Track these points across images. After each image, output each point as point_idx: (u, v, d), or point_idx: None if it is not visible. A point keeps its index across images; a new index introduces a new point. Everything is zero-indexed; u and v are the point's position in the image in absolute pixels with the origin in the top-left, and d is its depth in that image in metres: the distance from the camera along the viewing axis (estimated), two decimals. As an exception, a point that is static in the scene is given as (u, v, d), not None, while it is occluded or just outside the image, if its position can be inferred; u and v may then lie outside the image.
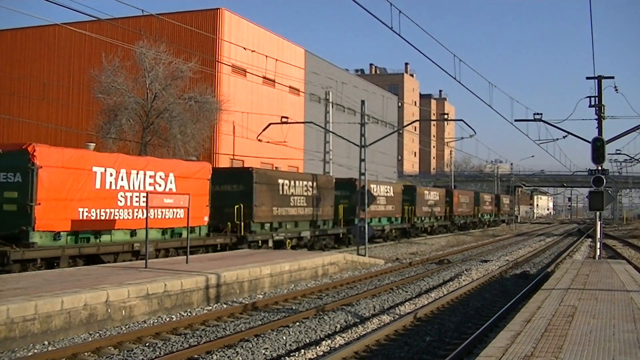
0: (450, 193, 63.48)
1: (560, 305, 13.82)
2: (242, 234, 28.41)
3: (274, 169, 38.19)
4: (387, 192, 44.77)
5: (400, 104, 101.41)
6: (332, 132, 45.60)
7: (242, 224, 28.46)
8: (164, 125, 37.51)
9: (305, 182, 34.17)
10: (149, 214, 19.75)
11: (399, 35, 18.78)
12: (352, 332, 14.01)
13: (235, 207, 28.24)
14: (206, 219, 26.38)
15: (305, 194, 33.98)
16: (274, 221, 31.41)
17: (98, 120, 38.74)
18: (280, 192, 31.60)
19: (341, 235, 38.15)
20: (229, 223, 28.21)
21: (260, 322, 15.22)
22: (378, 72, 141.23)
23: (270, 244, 30.53)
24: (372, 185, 39.86)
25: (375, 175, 63.61)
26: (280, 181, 31.82)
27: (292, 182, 32.89)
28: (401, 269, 28.51)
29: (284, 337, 13.29)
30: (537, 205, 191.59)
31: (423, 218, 54.35)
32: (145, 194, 20.74)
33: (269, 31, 54.96)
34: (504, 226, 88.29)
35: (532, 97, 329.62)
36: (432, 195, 56.70)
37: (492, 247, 44.65)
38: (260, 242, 29.90)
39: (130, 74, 37.82)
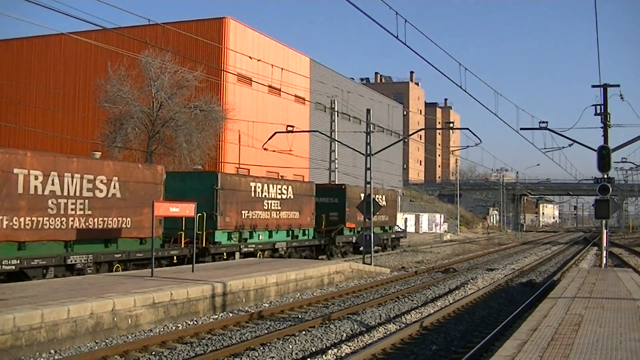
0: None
1: (567, 314, 13.78)
2: None
3: (280, 177, 38.02)
4: (281, 192, 32.45)
5: (405, 112, 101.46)
6: (338, 141, 45.65)
7: None
8: (169, 134, 37.59)
9: (83, 177, 20.75)
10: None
11: (405, 44, 18.80)
12: (358, 341, 13.98)
13: None
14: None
15: (83, 194, 20.67)
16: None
17: (104, 129, 38.87)
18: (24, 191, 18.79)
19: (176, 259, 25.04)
20: None
21: (266, 331, 15.21)
22: (383, 80, 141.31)
23: None
24: (252, 184, 30.00)
25: (381, 184, 63.58)
26: (18, 171, 18.67)
27: (50, 176, 19.60)
28: (407, 278, 28.47)
29: (290, 346, 13.28)
30: (543, 213, 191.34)
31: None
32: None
33: (274, 40, 55.12)
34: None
35: (538, 106, 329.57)
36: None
37: (498, 256, 44.58)
38: None
39: (136, 83, 37.94)
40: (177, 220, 24.49)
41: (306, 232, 34.98)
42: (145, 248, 23.15)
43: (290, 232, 33.26)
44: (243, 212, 29.05)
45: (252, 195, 29.87)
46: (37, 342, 12.48)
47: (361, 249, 39.68)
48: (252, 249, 29.30)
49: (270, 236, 31.62)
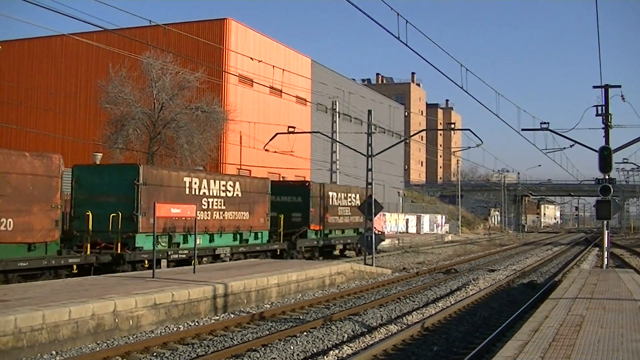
0: None
1: (568, 315, 13.76)
2: None
3: (281, 179, 37.93)
4: (225, 189, 28.98)
5: (406, 113, 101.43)
6: (339, 142, 45.70)
7: None
8: (170, 135, 37.60)
9: None
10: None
11: (406, 44, 18.83)
12: (359, 342, 13.98)
13: None
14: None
15: None
16: None
17: (105, 131, 38.87)
18: None
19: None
20: None
21: (267, 332, 15.20)
22: (385, 81, 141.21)
23: None
24: (187, 179, 26.34)
25: (383, 185, 63.56)
26: None
27: None
28: (408, 279, 28.46)
29: (292, 347, 13.28)
30: (544, 214, 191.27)
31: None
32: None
33: (275, 41, 55.12)
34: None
35: (539, 106, 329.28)
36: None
37: (499, 257, 44.55)
38: None
39: (137, 84, 37.95)
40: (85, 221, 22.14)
41: (259, 236, 30.98)
42: (35, 255, 19.35)
43: (238, 235, 29.31)
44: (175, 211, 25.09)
45: (187, 192, 25.66)
46: (38, 343, 12.48)
47: (335, 252, 37.59)
48: (184, 256, 24.97)
49: (211, 240, 27.35)
